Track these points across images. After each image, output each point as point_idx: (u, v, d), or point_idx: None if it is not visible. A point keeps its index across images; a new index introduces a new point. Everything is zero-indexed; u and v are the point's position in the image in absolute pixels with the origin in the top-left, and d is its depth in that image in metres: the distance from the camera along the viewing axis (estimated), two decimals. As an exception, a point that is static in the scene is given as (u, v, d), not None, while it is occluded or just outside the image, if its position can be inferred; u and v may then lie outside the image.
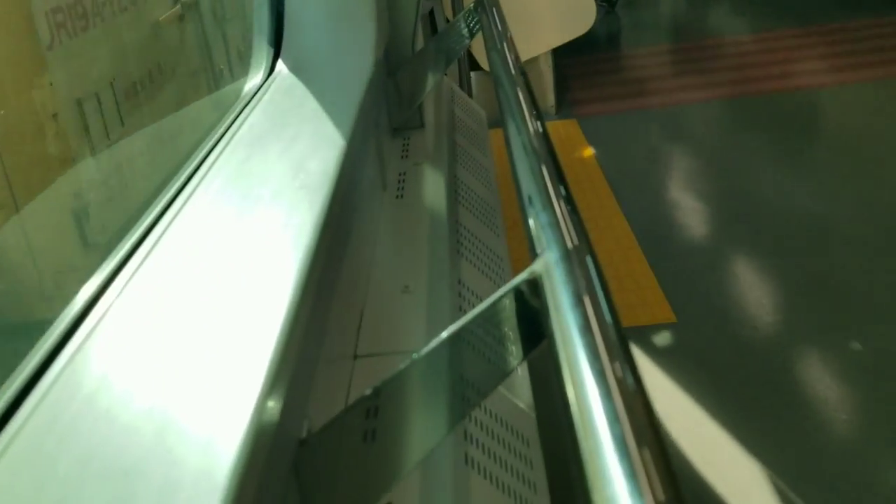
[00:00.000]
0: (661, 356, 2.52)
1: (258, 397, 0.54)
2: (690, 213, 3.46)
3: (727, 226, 3.34)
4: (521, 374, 1.02)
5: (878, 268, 2.88)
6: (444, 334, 0.62)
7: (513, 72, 1.06)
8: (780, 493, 1.95)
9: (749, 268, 2.99)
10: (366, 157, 1.21)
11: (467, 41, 1.66)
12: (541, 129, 0.82)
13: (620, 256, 3.15)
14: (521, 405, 0.92)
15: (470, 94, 4.18)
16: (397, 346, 0.93)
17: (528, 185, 0.70)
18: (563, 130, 4.53)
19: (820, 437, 2.11)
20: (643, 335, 2.63)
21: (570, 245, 0.55)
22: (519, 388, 0.98)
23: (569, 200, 0.65)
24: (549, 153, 0.76)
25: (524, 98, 0.91)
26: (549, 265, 0.55)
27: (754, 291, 2.82)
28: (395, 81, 1.59)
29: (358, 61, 1.26)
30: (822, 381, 2.31)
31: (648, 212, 3.51)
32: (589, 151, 4.20)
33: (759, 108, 4.67)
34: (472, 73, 4.57)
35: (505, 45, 1.18)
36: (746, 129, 4.43)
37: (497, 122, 1.04)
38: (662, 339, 2.62)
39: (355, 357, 0.89)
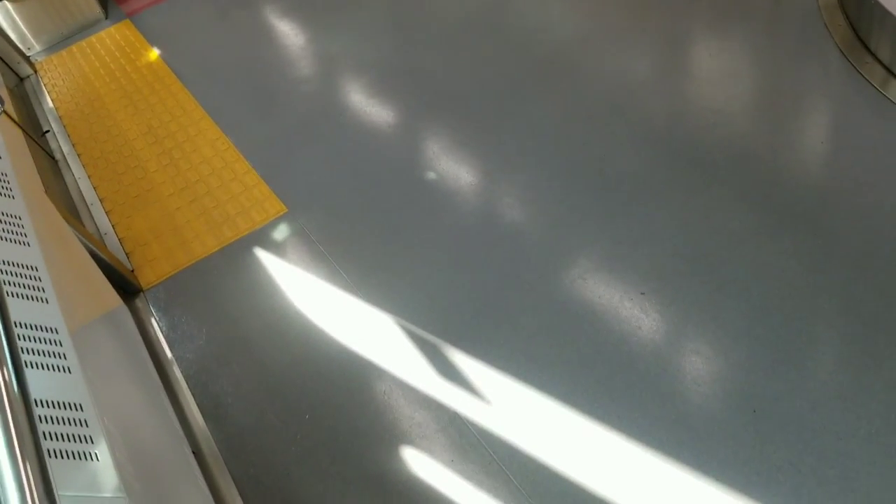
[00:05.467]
0: (283, 248, 2.57)
1: None
2: (270, 92, 3.40)
3: (312, 95, 3.35)
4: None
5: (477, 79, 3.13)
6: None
7: None
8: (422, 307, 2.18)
9: (338, 134, 3.07)
10: None
11: None
12: None
13: (220, 162, 3.05)
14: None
15: None
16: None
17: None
18: (120, 36, 4.05)
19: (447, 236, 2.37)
20: (264, 235, 2.65)
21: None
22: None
23: None
24: None
25: None
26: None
27: (350, 156, 2.93)
28: None
29: None
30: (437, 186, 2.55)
31: (230, 103, 3.38)
32: (154, 54, 3.84)
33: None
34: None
35: None
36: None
37: None
38: (281, 232, 2.66)
39: None
